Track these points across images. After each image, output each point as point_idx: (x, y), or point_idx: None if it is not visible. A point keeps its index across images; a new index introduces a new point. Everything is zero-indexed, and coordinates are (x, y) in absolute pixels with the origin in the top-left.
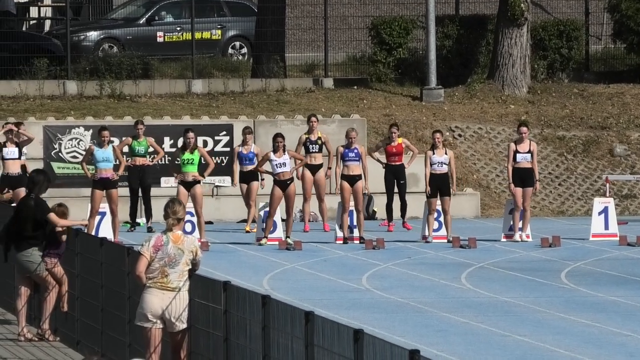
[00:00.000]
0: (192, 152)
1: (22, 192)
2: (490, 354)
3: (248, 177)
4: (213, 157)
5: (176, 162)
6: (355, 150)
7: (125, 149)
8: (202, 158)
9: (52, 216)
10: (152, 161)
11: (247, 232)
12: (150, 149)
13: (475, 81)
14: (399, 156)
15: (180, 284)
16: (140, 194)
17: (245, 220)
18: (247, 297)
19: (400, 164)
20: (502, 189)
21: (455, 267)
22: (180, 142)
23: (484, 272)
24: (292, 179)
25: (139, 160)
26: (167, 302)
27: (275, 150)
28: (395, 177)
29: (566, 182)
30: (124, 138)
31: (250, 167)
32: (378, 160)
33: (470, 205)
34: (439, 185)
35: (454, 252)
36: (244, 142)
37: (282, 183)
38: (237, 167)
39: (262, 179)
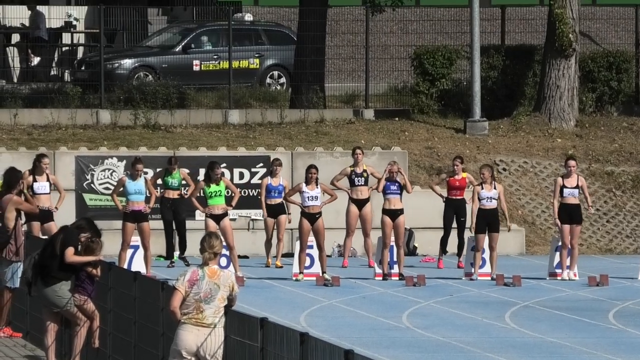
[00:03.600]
0: (217, 184)
1: (52, 226)
2: None
3: (276, 210)
4: (250, 190)
5: (201, 195)
6: (397, 184)
7: (158, 181)
8: (228, 189)
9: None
10: (185, 195)
11: (278, 267)
12: (184, 183)
13: (521, 113)
14: (461, 190)
15: (215, 320)
16: (174, 227)
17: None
18: (285, 334)
19: (462, 199)
20: (547, 225)
21: (499, 306)
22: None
23: (529, 311)
24: (320, 213)
25: (172, 193)
26: (202, 339)
27: (307, 182)
28: (455, 212)
29: (614, 219)
30: (158, 169)
31: (278, 200)
32: (440, 195)
33: (515, 242)
34: (488, 221)
35: (498, 290)
36: (273, 174)
37: (310, 216)
38: (263, 200)
39: (289, 213)
